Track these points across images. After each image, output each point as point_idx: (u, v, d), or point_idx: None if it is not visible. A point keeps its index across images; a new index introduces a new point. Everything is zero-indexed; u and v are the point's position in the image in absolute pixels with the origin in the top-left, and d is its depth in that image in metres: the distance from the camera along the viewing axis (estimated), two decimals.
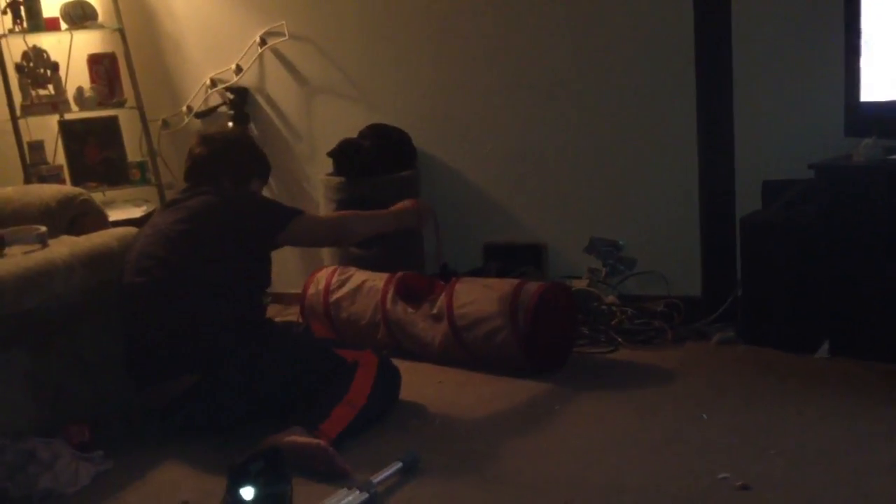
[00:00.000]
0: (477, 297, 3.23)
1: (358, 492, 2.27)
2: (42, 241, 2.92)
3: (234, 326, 2.76)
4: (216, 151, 2.98)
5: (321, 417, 2.62)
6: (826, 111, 3.31)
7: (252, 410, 2.79)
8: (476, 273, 3.66)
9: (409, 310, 3.36)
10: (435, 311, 3.29)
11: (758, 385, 2.98)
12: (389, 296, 3.40)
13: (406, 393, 3.01)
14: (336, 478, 2.42)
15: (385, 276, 3.49)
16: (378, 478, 2.36)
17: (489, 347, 3.19)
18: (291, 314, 3.82)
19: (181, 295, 2.75)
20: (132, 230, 3.21)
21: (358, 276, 3.56)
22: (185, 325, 2.72)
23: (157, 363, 2.76)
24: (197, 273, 2.76)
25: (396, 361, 3.03)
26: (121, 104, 4.49)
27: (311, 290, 3.60)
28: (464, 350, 3.25)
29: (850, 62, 3.11)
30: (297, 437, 2.51)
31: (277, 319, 3.37)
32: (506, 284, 3.26)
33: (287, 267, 4.29)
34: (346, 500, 2.25)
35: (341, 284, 3.54)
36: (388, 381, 2.90)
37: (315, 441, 2.51)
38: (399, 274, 3.48)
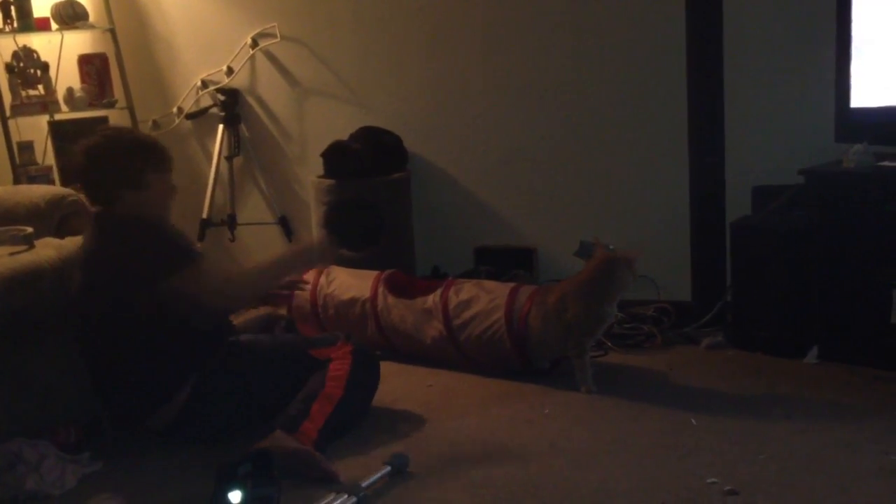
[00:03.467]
0: (473, 296, 3.24)
1: (346, 495, 2.27)
2: (28, 242, 2.90)
3: (188, 354, 2.69)
4: (95, 164, 2.73)
5: (301, 417, 2.60)
6: (817, 117, 3.32)
7: (244, 420, 2.77)
8: (467, 276, 3.65)
9: (400, 304, 3.35)
10: (428, 306, 3.29)
11: (747, 390, 2.98)
12: (380, 290, 3.40)
13: (395, 396, 3.00)
14: (324, 481, 2.41)
15: (374, 273, 3.49)
16: (366, 482, 2.35)
17: (483, 346, 3.19)
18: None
19: (117, 347, 2.66)
20: None
21: (346, 275, 3.55)
22: (134, 373, 2.66)
23: (126, 410, 2.74)
24: (121, 318, 2.65)
25: (386, 363, 3.02)
26: (111, 105, 4.47)
27: (300, 292, 3.58)
28: (456, 348, 3.25)
29: (841, 68, 3.12)
30: (283, 444, 2.49)
31: (263, 312, 3.30)
32: (501, 286, 3.27)
33: None
34: None
35: (329, 283, 3.53)
36: (365, 369, 2.83)
37: (301, 447, 2.50)
38: (389, 272, 3.48)
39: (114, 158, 2.72)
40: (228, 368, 2.72)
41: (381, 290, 3.40)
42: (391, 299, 3.38)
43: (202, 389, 2.68)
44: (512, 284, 3.27)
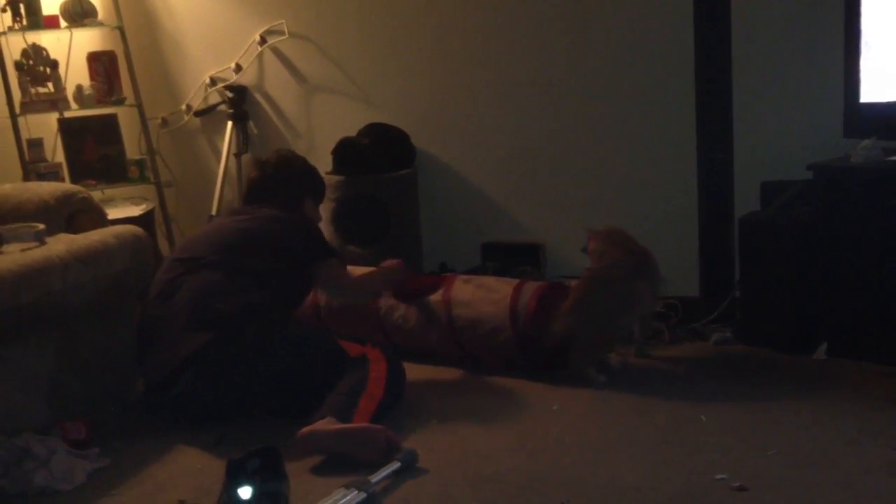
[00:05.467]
0: (475, 297, 3.23)
1: (356, 491, 2.27)
2: (39, 238, 2.92)
3: (253, 311, 2.81)
4: (268, 175, 3.17)
5: (350, 408, 2.65)
6: (825, 112, 3.31)
7: (249, 395, 2.80)
8: (473, 273, 3.66)
9: (404, 307, 3.35)
10: (431, 308, 3.29)
11: (755, 386, 2.98)
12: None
13: (404, 393, 3.00)
14: (384, 457, 2.45)
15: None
16: (376, 477, 2.36)
17: (488, 347, 3.19)
18: None
19: (215, 272, 2.85)
20: (131, 228, 3.22)
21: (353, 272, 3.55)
22: (205, 296, 2.80)
23: (169, 325, 2.81)
24: (237, 263, 2.88)
25: None
26: (120, 102, 4.48)
27: None
28: (460, 350, 3.25)
29: (849, 63, 3.11)
30: (345, 425, 2.55)
31: None
32: (505, 284, 3.26)
33: None
34: (344, 500, 2.25)
35: None
36: (399, 376, 2.94)
37: (369, 424, 2.57)
38: None
39: (284, 173, 3.18)
40: (254, 325, 2.80)
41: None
42: (394, 301, 3.37)
43: (221, 338, 2.75)
44: (515, 282, 3.26)
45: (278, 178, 3.16)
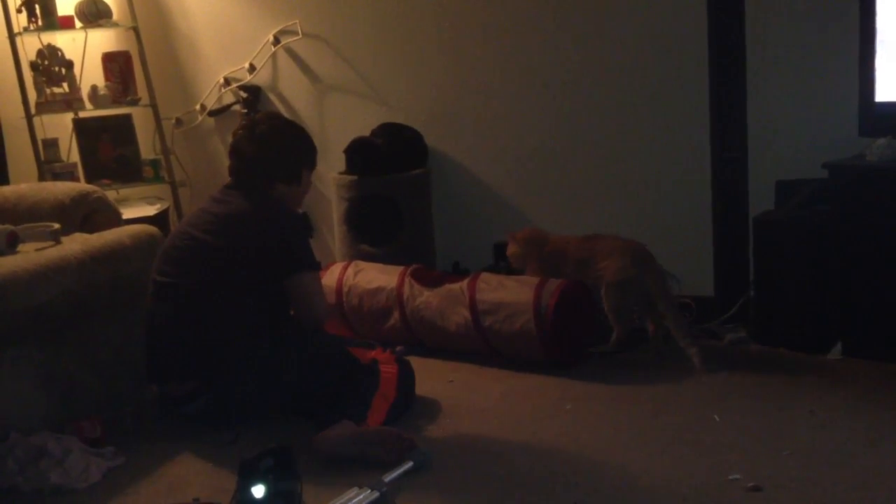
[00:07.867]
0: (501, 284, 3.28)
1: (369, 490, 2.28)
2: (55, 237, 2.94)
3: (248, 335, 2.77)
4: (265, 153, 2.82)
5: (364, 410, 2.68)
6: (840, 111, 3.29)
7: (266, 408, 2.82)
8: (487, 272, 3.66)
9: (426, 290, 3.37)
10: (454, 291, 3.32)
11: (769, 385, 2.97)
12: (406, 280, 3.43)
13: (417, 392, 3.01)
14: (399, 457, 2.45)
15: (400, 268, 3.52)
16: (389, 477, 2.36)
17: (508, 333, 3.19)
18: None
19: (197, 302, 2.75)
20: (145, 227, 3.24)
21: (373, 269, 3.57)
22: (198, 333, 2.74)
23: (170, 367, 2.79)
24: (216, 284, 2.75)
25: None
26: (135, 102, 4.50)
27: (325, 280, 3.61)
28: (480, 335, 3.26)
29: (864, 61, 3.10)
30: (361, 428, 2.57)
31: None
32: (529, 279, 3.30)
33: None
34: (357, 499, 2.25)
35: (355, 274, 3.55)
36: (409, 378, 2.94)
37: (386, 427, 2.60)
38: (415, 266, 3.52)
39: (282, 149, 2.85)
40: (257, 358, 2.76)
41: (407, 279, 3.43)
42: (417, 287, 3.40)
43: (228, 375, 2.73)
44: (538, 278, 3.28)
45: (276, 156, 2.83)
